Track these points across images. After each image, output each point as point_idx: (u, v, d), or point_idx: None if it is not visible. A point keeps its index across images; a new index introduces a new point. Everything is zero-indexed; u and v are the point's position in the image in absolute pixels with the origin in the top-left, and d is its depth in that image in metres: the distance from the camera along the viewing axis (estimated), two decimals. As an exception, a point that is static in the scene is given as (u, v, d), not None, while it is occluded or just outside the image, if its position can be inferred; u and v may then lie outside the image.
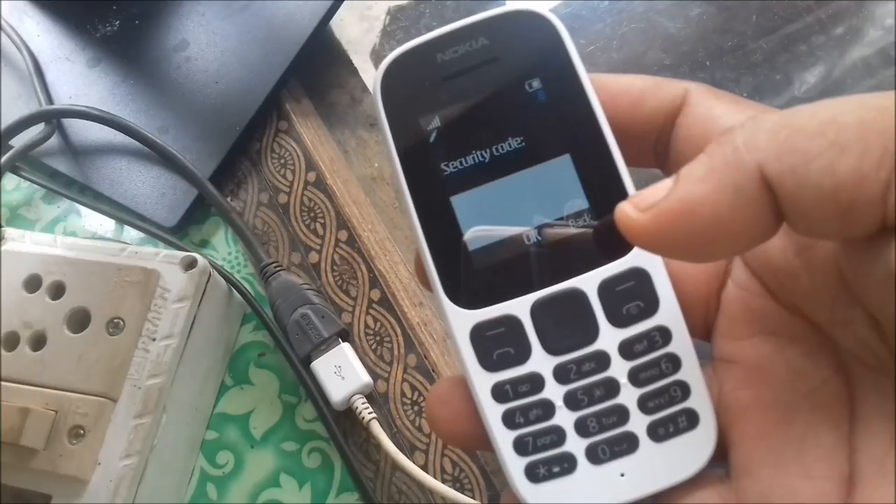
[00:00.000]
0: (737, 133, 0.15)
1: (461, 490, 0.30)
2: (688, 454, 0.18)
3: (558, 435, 0.19)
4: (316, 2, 0.39)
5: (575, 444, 0.19)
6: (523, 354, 0.19)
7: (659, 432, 0.19)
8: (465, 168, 0.19)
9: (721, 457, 0.18)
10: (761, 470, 0.17)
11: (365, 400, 0.31)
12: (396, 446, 0.30)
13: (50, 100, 0.41)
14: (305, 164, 0.37)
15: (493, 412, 0.19)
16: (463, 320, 0.19)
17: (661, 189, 0.16)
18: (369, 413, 0.31)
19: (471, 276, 0.19)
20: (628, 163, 0.19)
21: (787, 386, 0.17)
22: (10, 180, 0.41)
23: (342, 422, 0.32)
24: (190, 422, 0.32)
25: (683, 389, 0.19)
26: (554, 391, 0.19)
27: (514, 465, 0.19)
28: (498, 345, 0.19)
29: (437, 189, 0.19)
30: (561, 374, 0.19)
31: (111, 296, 0.31)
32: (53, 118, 0.40)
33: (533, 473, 0.18)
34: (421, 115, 0.19)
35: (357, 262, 0.35)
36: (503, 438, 0.19)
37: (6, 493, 0.30)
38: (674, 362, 0.19)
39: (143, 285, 0.31)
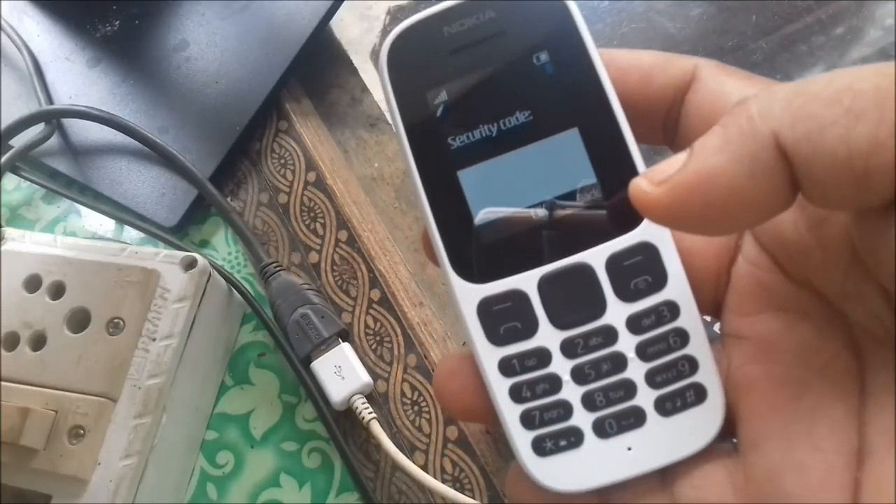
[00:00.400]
0: (751, 103, 0.15)
1: (461, 490, 0.30)
2: (695, 429, 0.18)
3: (565, 409, 0.19)
4: (316, 2, 0.39)
5: (582, 418, 0.19)
6: (530, 329, 0.19)
7: (666, 406, 0.18)
8: (472, 142, 0.19)
9: (729, 433, 0.18)
10: (770, 444, 0.17)
11: (365, 400, 0.31)
12: (396, 446, 0.30)
13: (50, 100, 0.41)
14: (305, 164, 0.37)
15: (499, 386, 0.19)
16: (470, 295, 0.19)
17: (676, 162, 0.15)
18: (369, 413, 0.31)
19: (478, 250, 0.19)
20: (637, 139, 0.19)
21: (797, 361, 0.17)
22: (10, 180, 0.41)
23: (342, 422, 0.32)
24: (190, 422, 0.32)
25: (691, 364, 0.19)
26: (561, 365, 0.19)
27: (521, 439, 0.19)
28: (505, 319, 0.19)
29: (444, 163, 0.19)
30: (568, 349, 0.19)
31: (111, 296, 0.31)
32: (53, 118, 0.40)
33: (540, 447, 0.18)
34: (427, 88, 0.19)
35: (357, 262, 0.35)
36: (510, 412, 0.19)
37: (6, 493, 0.30)
38: (682, 337, 0.19)
39: (143, 285, 0.31)
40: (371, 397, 0.32)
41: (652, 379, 0.19)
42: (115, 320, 0.31)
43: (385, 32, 0.41)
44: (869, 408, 0.16)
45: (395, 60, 0.19)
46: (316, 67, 0.40)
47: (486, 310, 0.19)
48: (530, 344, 0.19)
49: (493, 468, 0.31)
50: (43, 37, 0.43)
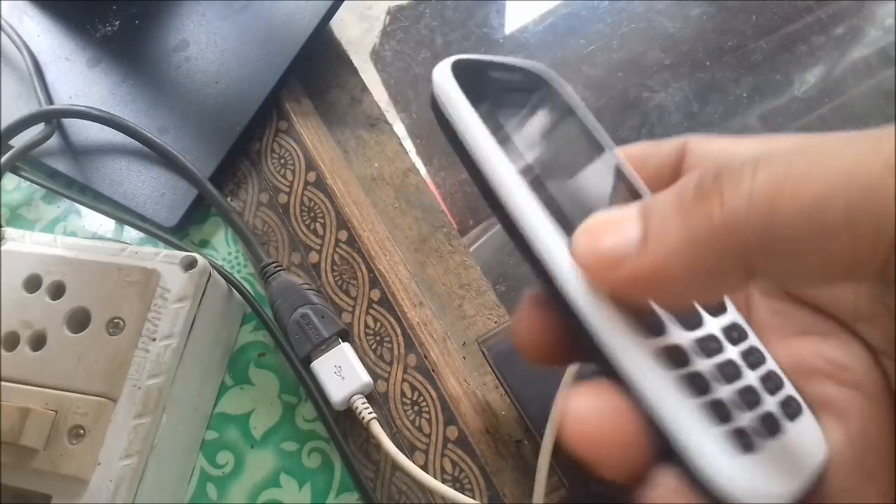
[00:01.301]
0: (714, 200, 0.14)
1: (461, 490, 0.30)
2: (812, 438, 0.17)
3: (753, 394, 0.16)
4: (316, 2, 0.39)
5: (770, 402, 0.17)
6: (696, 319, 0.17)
7: (787, 411, 0.17)
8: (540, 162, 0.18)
9: None
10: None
11: (365, 400, 0.31)
12: (396, 446, 0.30)
13: (50, 100, 0.41)
14: (305, 164, 0.37)
15: (662, 380, 0.15)
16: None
17: (627, 235, 0.15)
18: (369, 413, 0.31)
19: None
20: None
21: (828, 379, 0.17)
22: (10, 180, 0.41)
23: (342, 422, 0.32)
24: (190, 422, 0.32)
25: (777, 380, 0.17)
26: (732, 352, 0.17)
27: (710, 442, 0.15)
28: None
29: (537, 174, 0.18)
30: (730, 336, 0.17)
31: (111, 296, 0.31)
32: (53, 118, 0.40)
33: (742, 442, 0.15)
34: (493, 106, 0.19)
35: (357, 262, 0.35)
36: (684, 410, 0.15)
37: (6, 493, 0.30)
38: (760, 354, 0.18)
39: (143, 285, 0.31)
40: (371, 397, 0.32)
41: (764, 385, 0.17)
42: (115, 320, 0.31)
43: (385, 32, 0.41)
44: None
45: (461, 79, 0.18)
46: (316, 67, 0.40)
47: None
48: (702, 332, 0.17)
49: (493, 468, 0.31)
50: (43, 37, 0.43)
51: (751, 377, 0.16)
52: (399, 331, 0.33)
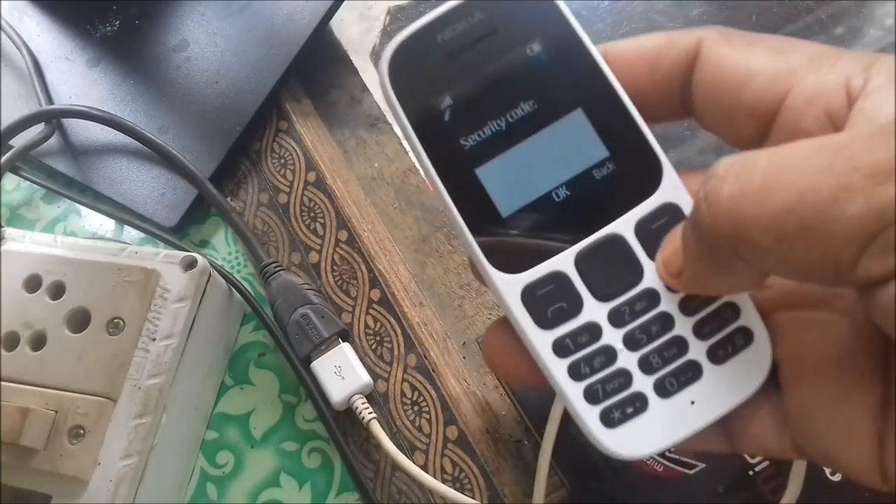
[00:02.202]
0: (703, 209, 0.16)
1: (461, 490, 0.30)
2: (749, 370, 0.19)
3: (625, 377, 0.19)
4: (316, 2, 0.39)
5: (643, 383, 0.19)
6: (576, 306, 0.19)
7: (719, 354, 0.19)
8: (484, 139, 0.20)
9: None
10: (805, 389, 0.18)
11: (365, 400, 0.31)
12: (396, 446, 0.30)
13: (50, 100, 0.41)
14: (305, 164, 0.37)
15: (557, 368, 0.19)
16: (512, 285, 0.19)
17: (677, 248, 0.18)
18: (369, 413, 0.31)
19: (510, 241, 0.20)
20: (660, 119, 0.20)
21: (836, 326, 0.18)
22: (10, 180, 0.41)
23: (342, 422, 0.32)
24: (190, 422, 0.32)
25: (734, 310, 0.19)
26: (612, 336, 0.19)
27: (589, 416, 0.19)
28: (550, 301, 0.19)
29: (462, 164, 0.20)
30: (616, 318, 0.19)
31: (111, 296, 0.31)
32: (53, 118, 0.40)
33: (608, 419, 0.19)
34: (433, 96, 0.20)
35: (357, 262, 0.35)
36: (573, 391, 0.19)
37: (6, 493, 0.30)
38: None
39: (143, 285, 0.31)
40: (371, 397, 0.32)
41: (700, 331, 0.19)
42: (115, 320, 0.31)
43: (385, 32, 0.41)
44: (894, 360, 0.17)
45: (396, 74, 0.20)
46: (316, 67, 0.40)
47: (531, 296, 0.19)
48: (579, 321, 0.19)
49: (493, 468, 0.31)
50: (43, 37, 0.43)
51: (680, 327, 0.19)
52: (399, 331, 0.33)
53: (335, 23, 0.40)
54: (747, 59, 0.18)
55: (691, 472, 0.27)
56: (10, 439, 0.28)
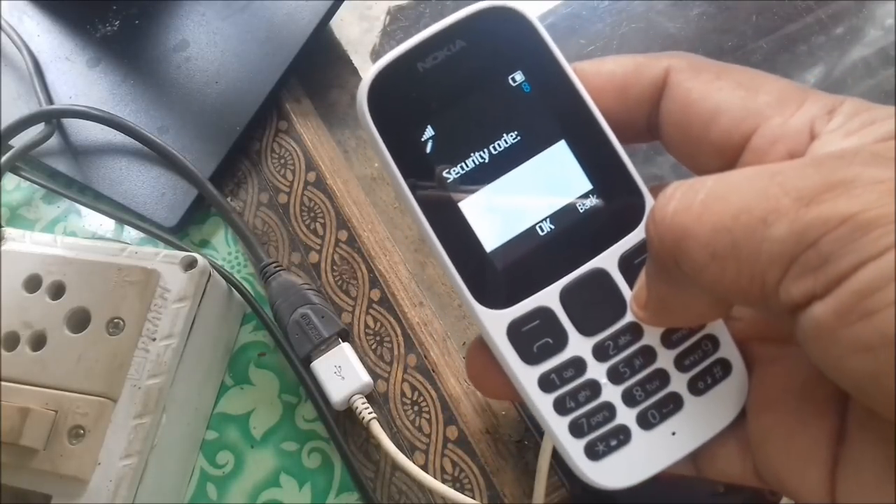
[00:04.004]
0: (651, 230, 0.16)
1: (461, 490, 0.30)
2: (726, 401, 0.19)
3: (609, 410, 0.19)
4: (316, 2, 0.39)
5: (626, 415, 0.19)
6: (561, 341, 0.19)
7: (699, 386, 0.19)
8: (466, 172, 0.19)
9: None
10: (766, 414, 0.19)
11: (365, 400, 0.31)
12: (396, 446, 0.30)
13: (50, 100, 0.41)
14: (305, 164, 0.37)
15: (543, 402, 0.19)
16: (497, 321, 0.19)
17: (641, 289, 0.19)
18: (369, 413, 0.31)
19: (496, 276, 0.20)
20: (627, 141, 0.20)
21: (801, 359, 0.18)
22: (10, 180, 0.41)
23: (342, 422, 0.32)
24: (190, 422, 0.32)
25: (713, 342, 0.19)
26: (596, 370, 0.19)
27: (574, 449, 0.19)
28: (536, 337, 0.19)
29: (444, 198, 0.19)
30: (600, 353, 0.19)
31: (111, 296, 0.31)
32: (53, 118, 0.40)
33: (593, 452, 0.19)
34: (413, 126, 0.19)
35: (357, 262, 0.35)
36: (558, 425, 0.19)
37: (6, 493, 0.30)
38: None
39: (143, 285, 0.31)
40: (371, 397, 0.32)
41: (681, 363, 0.19)
42: (115, 320, 0.31)
43: (385, 32, 0.41)
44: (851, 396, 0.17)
45: (376, 106, 0.19)
46: (316, 67, 0.40)
47: (516, 332, 0.19)
48: (564, 356, 0.19)
49: (493, 468, 0.31)
50: (43, 37, 0.43)
51: (661, 360, 0.19)
52: (399, 331, 0.33)
53: (335, 23, 0.40)
54: (715, 94, 0.18)
55: (691, 472, 0.27)
56: (10, 439, 0.28)
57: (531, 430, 0.31)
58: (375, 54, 0.41)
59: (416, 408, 0.32)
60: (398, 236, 0.36)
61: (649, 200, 0.20)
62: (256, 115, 0.38)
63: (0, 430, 0.28)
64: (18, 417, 0.28)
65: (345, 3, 0.39)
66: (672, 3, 0.38)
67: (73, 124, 0.40)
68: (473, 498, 0.30)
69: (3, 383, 0.30)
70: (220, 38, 0.40)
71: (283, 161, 0.38)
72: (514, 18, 0.20)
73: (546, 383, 0.19)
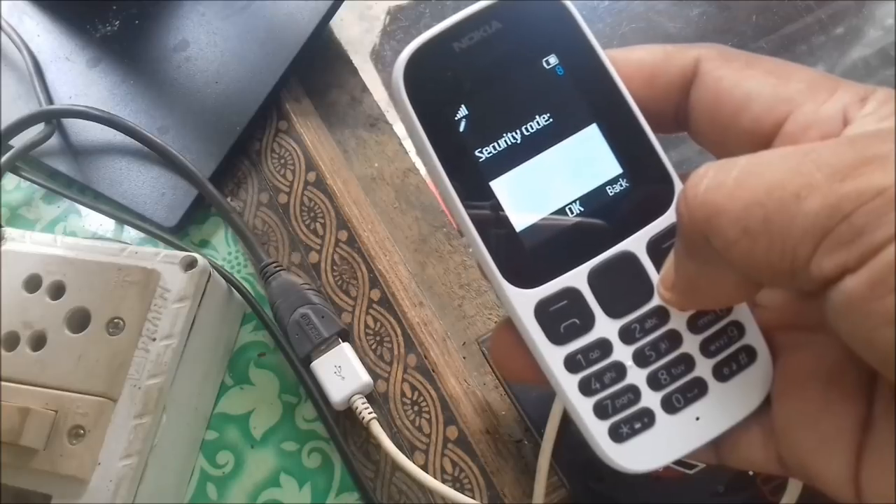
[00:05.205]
0: (682, 206, 0.17)
1: (461, 490, 0.30)
2: (751, 388, 0.20)
3: (634, 393, 0.20)
4: (316, 2, 0.39)
5: (650, 399, 0.20)
6: (588, 322, 0.20)
7: (724, 372, 0.20)
8: (499, 152, 0.20)
9: None
10: (790, 400, 0.19)
11: (365, 400, 0.31)
12: (396, 446, 0.30)
13: (50, 100, 0.41)
14: (305, 164, 0.37)
15: (569, 383, 0.19)
16: (525, 300, 0.19)
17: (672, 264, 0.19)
18: (369, 413, 0.31)
19: (525, 256, 0.20)
20: (654, 131, 0.20)
21: (829, 346, 0.18)
22: (10, 180, 0.41)
23: (342, 422, 0.32)
24: (190, 422, 0.32)
25: (739, 328, 0.20)
26: (622, 352, 0.20)
27: (598, 431, 0.19)
28: (563, 317, 0.20)
29: (476, 177, 0.20)
30: (626, 335, 0.20)
31: (111, 296, 0.31)
32: (53, 118, 0.40)
33: (617, 434, 0.19)
34: (448, 106, 0.20)
35: (357, 262, 0.35)
36: (583, 407, 0.19)
37: (6, 493, 0.30)
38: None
39: (143, 285, 0.31)
40: (371, 397, 0.32)
41: (706, 348, 0.20)
42: (115, 320, 0.31)
43: (385, 32, 0.41)
44: (879, 382, 0.17)
45: (411, 83, 0.19)
46: (316, 67, 0.40)
47: (544, 311, 0.19)
48: (591, 337, 0.20)
49: (493, 468, 0.31)
50: (43, 37, 0.43)
51: (687, 344, 0.19)
52: (399, 331, 0.33)
53: (335, 23, 0.40)
54: (746, 81, 0.18)
55: (691, 471, 0.27)
56: (10, 439, 0.28)
57: (531, 430, 0.31)
58: (375, 54, 0.41)
59: (416, 408, 0.32)
60: (398, 236, 0.36)
61: (678, 185, 0.20)
62: (256, 115, 0.38)
63: (0, 430, 0.28)
64: (18, 417, 0.28)
65: (345, 3, 0.39)
66: (672, 3, 0.38)
67: (73, 124, 0.40)
68: (473, 498, 0.30)
69: (3, 383, 0.30)
70: (220, 38, 0.40)
71: (283, 161, 0.38)
72: (549, 2, 0.20)
73: (572, 363, 0.19)
